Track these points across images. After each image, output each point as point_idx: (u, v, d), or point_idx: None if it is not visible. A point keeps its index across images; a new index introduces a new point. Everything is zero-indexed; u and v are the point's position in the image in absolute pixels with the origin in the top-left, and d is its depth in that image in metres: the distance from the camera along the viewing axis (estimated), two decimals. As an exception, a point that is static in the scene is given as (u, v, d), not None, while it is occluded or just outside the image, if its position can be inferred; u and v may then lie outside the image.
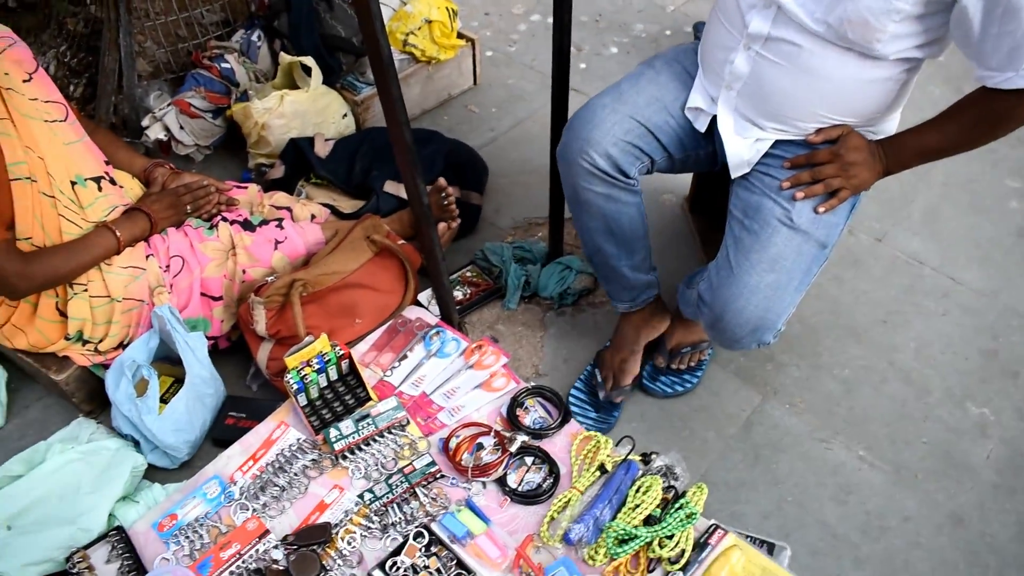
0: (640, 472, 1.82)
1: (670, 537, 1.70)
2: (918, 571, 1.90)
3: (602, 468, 1.84)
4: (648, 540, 1.69)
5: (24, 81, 1.97)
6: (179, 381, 2.06)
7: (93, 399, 2.17)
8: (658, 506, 1.75)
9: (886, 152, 1.75)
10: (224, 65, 2.95)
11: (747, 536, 1.83)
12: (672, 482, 1.81)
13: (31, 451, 1.98)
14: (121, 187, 2.14)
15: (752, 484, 2.05)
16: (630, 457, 1.85)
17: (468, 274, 2.50)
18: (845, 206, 1.79)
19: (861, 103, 1.71)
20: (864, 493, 2.04)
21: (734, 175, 1.88)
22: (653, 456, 1.85)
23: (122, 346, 2.08)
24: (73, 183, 1.99)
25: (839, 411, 2.20)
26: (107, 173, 2.10)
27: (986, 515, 2.00)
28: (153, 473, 2.05)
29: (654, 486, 1.76)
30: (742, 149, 1.84)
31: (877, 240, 2.69)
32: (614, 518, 1.73)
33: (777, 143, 1.82)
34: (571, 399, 2.19)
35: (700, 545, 1.71)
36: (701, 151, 1.97)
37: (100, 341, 2.05)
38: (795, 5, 1.58)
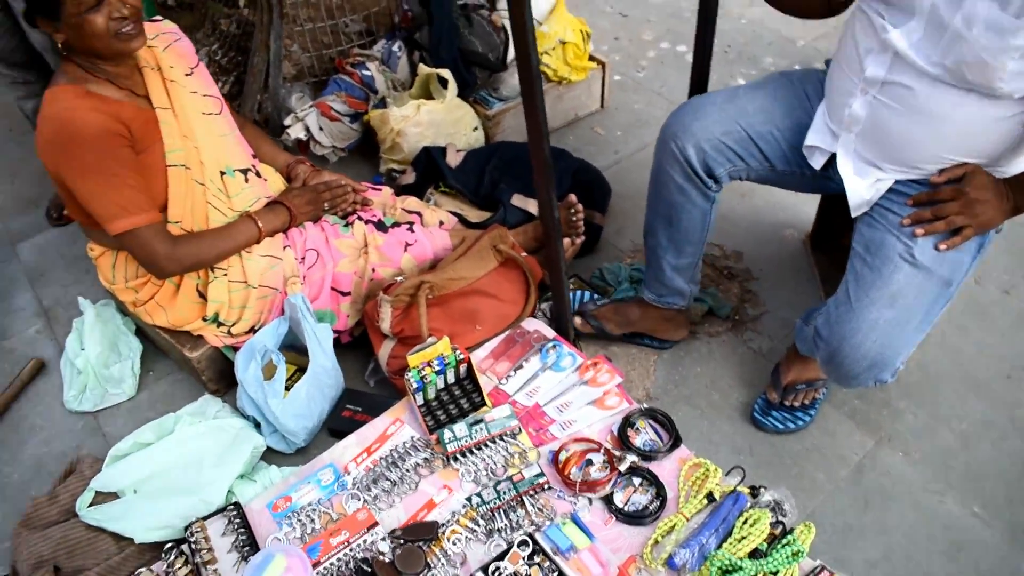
0: (748, 504, 1.81)
1: (774, 573, 1.68)
2: (1031, 638, 1.83)
3: (710, 496, 1.83)
4: (753, 573, 1.67)
5: (187, 75, 2.10)
6: (301, 370, 2.14)
7: (221, 379, 2.28)
8: (764, 540, 1.73)
9: (1014, 190, 1.71)
10: (365, 72, 3.07)
11: (853, 581, 1.80)
12: (780, 518, 1.79)
13: (161, 421, 2.09)
14: (265, 180, 2.25)
15: (860, 530, 2.01)
16: (739, 488, 1.84)
17: (571, 284, 2.54)
18: (972, 244, 1.76)
19: (984, 143, 1.68)
20: (977, 551, 1.97)
21: (854, 214, 1.88)
22: (762, 490, 1.84)
23: (253, 331, 2.18)
24: (223, 173, 2.10)
25: (955, 464, 2.14)
26: (254, 166, 2.21)
27: (1108, 588, 1.92)
28: (270, 456, 2.14)
29: (762, 519, 1.74)
30: (862, 189, 1.83)
31: (1005, 292, 2.60)
32: (719, 547, 1.72)
33: (900, 180, 1.81)
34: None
35: (804, 585, 1.69)
36: (807, 171, 1.97)
37: (234, 324, 2.15)
38: (910, 50, 1.58)
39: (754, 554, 1.72)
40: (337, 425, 2.13)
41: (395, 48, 3.17)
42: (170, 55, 2.10)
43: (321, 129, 3.01)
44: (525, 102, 1.74)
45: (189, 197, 2.04)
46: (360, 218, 2.28)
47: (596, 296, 2.47)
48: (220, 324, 2.14)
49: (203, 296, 2.11)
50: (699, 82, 2.12)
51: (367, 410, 2.13)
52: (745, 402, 2.26)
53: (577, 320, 2.33)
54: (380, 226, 2.27)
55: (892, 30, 1.63)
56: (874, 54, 1.68)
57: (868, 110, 1.74)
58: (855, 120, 1.77)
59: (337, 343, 2.30)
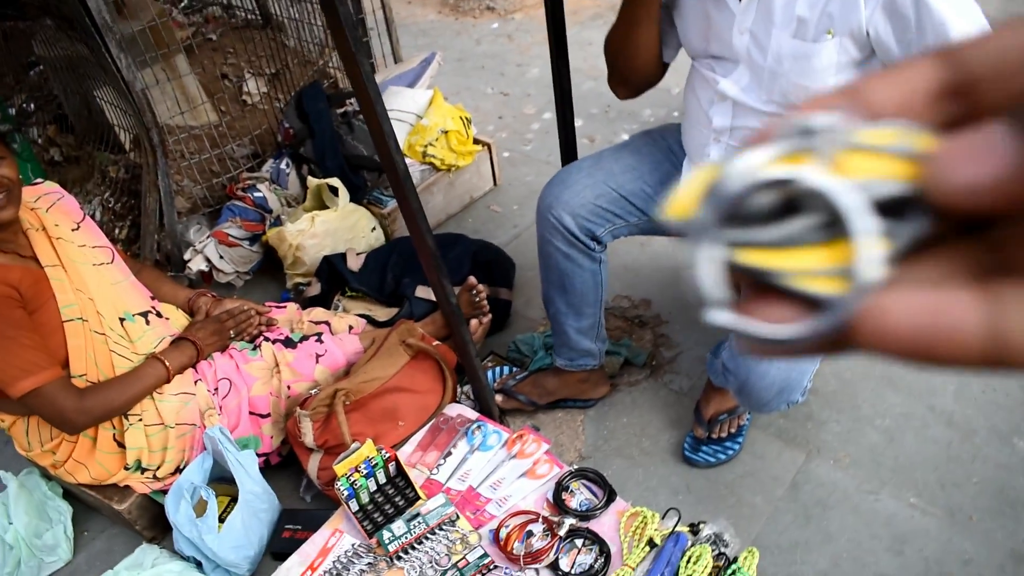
0: (689, 543, 1.84)
1: (725, 605, 1.71)
2: (985, 617, 1.88)
3: (651, 543, 1.86)
4: (703, 610, 1.70)
5: (73, 230, 2.13)
6: (235, 499, 2.13)
7: (155, 525, 2.25)
8: (710, 574, 1.76)
9: None
10: (257, 194, 3.11)
11: (804, 597, 1.83)
12: (722, 549, 1.82)
13: (100, 582, 2.05)
14: (167, 319, 2.27)
15: (805, 544, 2.05)
16: (678, 529, 1.87)
17: (488, 362, 2.58)
18: None
19: None
20: (920, 541, 2.02)
21: None
22: (701, 525, 1.87)
23: (179, 471, 2.17)
24: (122, 319, 2.12)
25: (885, 461, 2.20)
26: (153, 307, 2.22)
27: (1049, 552, 1.98)
28: (218, 592, 2.11)
29: (704, 555, 1.78)
30: None
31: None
32: (667, 591, 1.74)
33: None
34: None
35: (757, 610, 1.72)
36: None
37: (158, 468, 2.14)
38: (742, 94, 1.72)
39: (702, 591, 1.75)
40: (278, 547, 2.12)
41: (283, 166, 3.23)
42: (54, 214, 2.13)
43: (221, 257, 3.03)
44: (400, 203, 1.79)
45: (90, 349, 2.05)
46: (267, 339, 2.30)
47: (514, 368, 2.52)
48: (144, 470, 2.13)
49: (121, 445, 2.10)
50: (568, 150, 2.21)
51: (307, 526, 2.12)
52: (675, 443, 2.31)
53: (499, 398, 2.37)
54: (288, 343, 2.29)
55: (723, 80, 1.76)
56: (715, 104, 1.81)
57: (726, 155, 1.85)
58: None
59: (268, 465, 2.30)
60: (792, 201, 0.22)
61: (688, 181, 0.23)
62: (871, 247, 0.22)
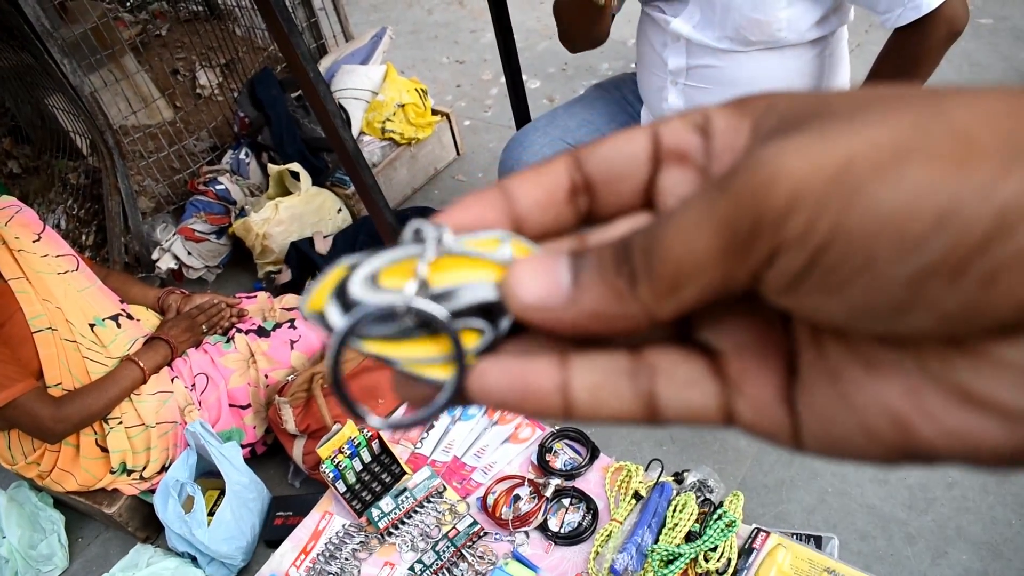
0: (675, 492, 1.85)
1: (714, 549, 1.73)
2: (971, 534, 1.91)
3: (637, 495, 1.88)
4: (693, 556, 1.72)
5: (34, 241, 2.11)
6: (224, 492, 2.13)
7: (148, 525, 2.26)
8: (696, 521, 1.78)
9: None
10: (219, 187, 3.09)
11: (792, 534, 1.85)
12: (707, 495, 1.84)
13: (96, 587, 2.06)
14: (139, 320, 2.26)
15: (791, 482, 2.07)
16: (662, 479, 1.89)
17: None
18: None
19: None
20: (904, 469, 2.05)
21: None
22: (685, 474, 1.89)
23: (164, 469, 2.17)
24: (92, 325, 2.11)
25: (864, 394, 2.22)
26: (123, 310, 2.21)
27: (1030, 467, 2.00)
28: (216, 585, 2.13)
29: (689, 502, 1.79)
30: None
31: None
32: (656, 541, 1.76)
33: None
34: None
35: (746, 551, 1.73)
36: None
37: (143, 468, 2.14)
38: (695, 32, 1.71)
39: (691, 537, 1.77)
40: (271, 535, 2.13)
41: (242, 156, 3.21)
42: (13, 227, 2.11)
43: (190, 253, 3.02)
44: (353, 180, 1.79)
45: (63, 357, 2.04)
46: (240, 330, 2.30)
47: None
48: (130, 472, 2.13)
49: (104, 449, 2.10)
50: (520, 111, 2.19)
51: (297, 512, 2.14)
52: (656, 394, 2.32)
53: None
54: (261, 332, 2.29)
55: (674, 20, 1.75)
56: (669, 46, 1.79)
57: (683, 98, 1.84)
58: (676, 110, 1.86)
59: (254, 455, 2.30)
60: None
61: (320, 279, 0.27)
62: (459, 343, 0.26)
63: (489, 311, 0.27)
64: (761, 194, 0.21)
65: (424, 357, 0.27)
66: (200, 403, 2.17)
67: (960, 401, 0.21)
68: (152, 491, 2.16)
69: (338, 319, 0.26)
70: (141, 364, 2.12)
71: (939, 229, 0.19)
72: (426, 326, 0.26)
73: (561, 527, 1.88)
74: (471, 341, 0.27)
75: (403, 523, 1.93)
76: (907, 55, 1.64)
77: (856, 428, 0.23)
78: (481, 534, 1.88)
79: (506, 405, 0.27)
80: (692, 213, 0.23)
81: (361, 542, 1.93)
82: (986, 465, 0.22)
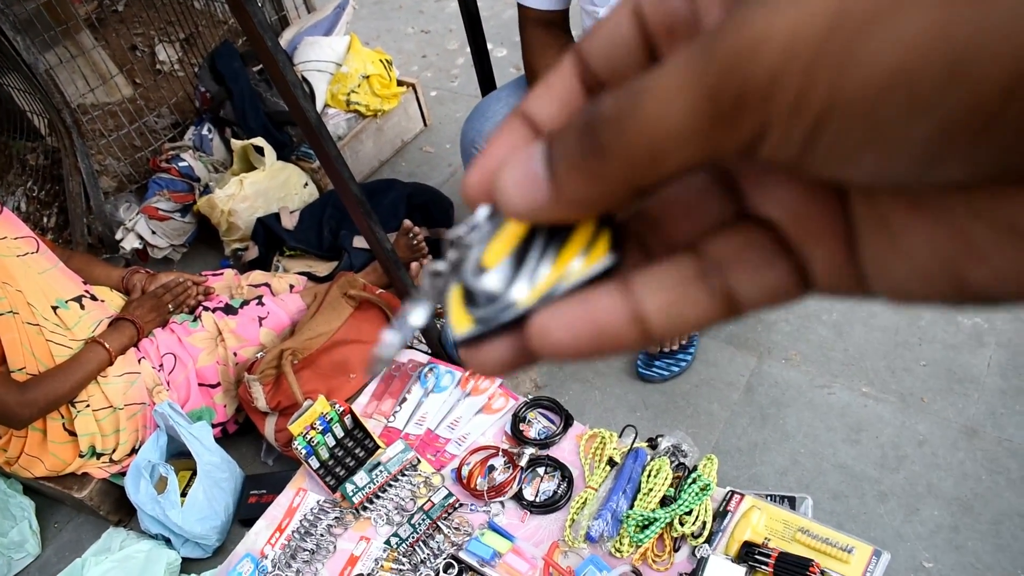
0: (649, 457, 1.86)
1: (689, 513, 1.73)
2: (942, 490, 1.93)
3: (611, 462, 1.88)
4: (668, 520, 1.72)
5: (-10, 225, 2.06)
6: (196, 473, 2.11)
7: (120, 508, 2.23)
8: (671, 485, 1.78)
9: None
10: (182, 164, 3.04)
11: (766, 495, 1.86)
12: (681, 459, 1.84)
13: (68, 571, 2.04)
14: (103, 301, 2.22)
15: (764, 445, 2.08)
16: (636, 445, 1.89)
17: (439, 306, 2.57)
18: None
19: None
20: (875, 428, 2.07)
21: None
22: (659, 439, 1.89)
23: (134, 451, 2.14)
24: (55, 307, 2.06)
25: (835, 355, 2.23)
26: (87, 291, 2.17)
27: (999, 421, 2.02)
28: (192, 565, 2.11)
29: (663, 468, 1.79)
30: None
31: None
32: (631, 507, 1.76)
33: None
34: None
35: (721, 514, 1.74)
36: None
37: (113, 451, 2.11)
38: None
39: (666, 501, 1.77)
40: (246, 514, 2.11)
41: (204, 131, 3.15)
42: (-33, 211, 2.06)
43: (154, 232, 2.97)
44: (316, 152, 1.75)
45: (25, 341, 2.00)
46: (207, 308, 2.26)
47: None
48: (100, 455, 2.10)
49: (72, 433, 2.07)
50: (485, 79, 2.16)
51: (271, 490, 2.12)
52: (629, 361, 2.32)
53: (463, 351, 2.35)
54: (228, 310, 2.26)
55: (602, 9, 1.79)
56: None
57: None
58: None
59: (225, 434, 2.28)
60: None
61: (451, 305, 0.27)
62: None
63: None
64: (744, 59, 0.19)
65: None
66: (168, 383, 2.15)
67: (1013, 238, 0.20)
68: (122, 474, 2.14)
69: (479, 317, 0.26)
70: (107, 346, 2.08)
71: (954, 79, 0.17)
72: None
73: (536, 496, 1.88)
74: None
75: (378, 497, 1.92)
76: None
77: (912, 274, 0.22)
78: (456, 505, 1.87)
79: (581, 353, 0.25)
80: (668, 80, 0.21)
81: (336, 518, 1.92)
82: None
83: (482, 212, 0.27)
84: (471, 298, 0.27)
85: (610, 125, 0.22)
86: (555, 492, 1.87)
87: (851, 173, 0.20)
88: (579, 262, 0.26)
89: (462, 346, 0.27)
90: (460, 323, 0.27)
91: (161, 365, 2.15)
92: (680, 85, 0.20)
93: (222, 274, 2.48)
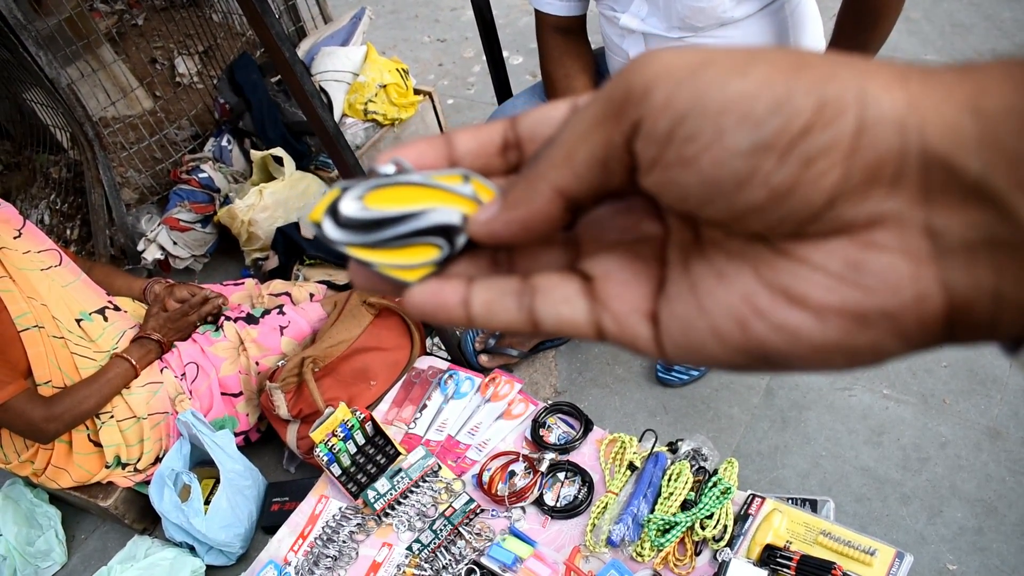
0: (669, 461, 1.86)
1: (710, 516, 1.73)
2: (965, 492, 1.92)
3: (632, 466, 1.88)
4: (689, 524, 1.72)
5: (15, 238, 2.08)
6: (219, 481, 2.13)
7: (145, 516, 2.25)
8: (692, 489, 1.78)
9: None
10: (202, 175, 3.07)
11: (788, 499, 1.85)
12: (702, 463, 1.84)
13: (94, 580, 2.06)
14: (125, 311, 2.24)
15: (785, 448, 2.08)
16: (656, 449, 1.89)
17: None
18: None
19: None
20: (897, 430, 2.06)
21: None
22: (679, 443, 1.89)
23: (158, 460, 2.16)
24: (79, 320, 2.09)
25: (855, 357, 2.22)
26: (110, 302, 2.20)
27: (1022, 422, 2.01)
28: (218, 572, 2.13)
29: (683, 471, 1.79)
30: None
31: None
32: (652, 511, 1.76)
33: None
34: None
35: (742, 517, 1.74)
36: None
37: (137, 461, 2.13)
38: (645, 26, 1.77)
39: (687, 505, 1.77)
40: (269, 521, 2.13)
41: (224, 143, 3.18)
42: (-8, 225, 2.09)
43: (176, 243, 3.00)
44: (334, 160, 1.78)
45: (51, 355, 2.03)
46: (228, 318, 2.28)
47: None
48: (124, 465, 2.13)
49: (97, 444, 2.09)
50: (502, 89, 2.18)
51: (293, 497, 2.13)
52: (648, 366, 2.32)
53: (484, 359, 2.36)
54: (250, 319, 2.28)
55: (623, 16, 1.78)
56: (627, 38, 1.84)
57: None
58: None
59: (248, 442, 2.30)
60: (385, 220, 0.33)
61: (320, 197, 0.33)
62: (426, 255, 0.34)
63: (449, 232, 0.33)
64: (632, 73, 0.27)
65: (396, 263, 0.33)
66: (191, 392, 2.16)
67: (784, 299, 0.26)
68: (147, 483, 2.16)
69: (331, 230, 0.32)
70: (133, 361, 2.10)
71: (775, 111, 0.24)
72: (401, 239, 0.33)
73: (557, 501, 1.88)
74: (432, 254, 0.34)
75: (399, 504, 1.93)
76: (866, 9, 1.65)
77: (707, 331, 0.28)
78: (478, 511, 1.88)
79: (427, 315, 0.34)
80: (584, 101, 0.29)
81: (358, 524, 1.93)
82: (806, 360, 0.27)
83: (389, 167, 0.33)
84: (335, 209, 0.32)
85: (545, 142, 0.31)
86: (576, 497, 1.87)
87: (690, 180, 0.26)
88: (407, 260, 0.34)
89: (314, 230, 0.33)
90: (316, 215, 0.33)
91: (184, 374, 2.17)
92: (589, 102, 0.28)
93: (243, 284, 2.50)
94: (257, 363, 2.22)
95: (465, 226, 0.33)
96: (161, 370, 2.15)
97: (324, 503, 2.02)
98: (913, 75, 0.25)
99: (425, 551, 1.83)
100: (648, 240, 0.32)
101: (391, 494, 1.93)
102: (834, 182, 0.24)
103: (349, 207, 0.32)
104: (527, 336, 2.38)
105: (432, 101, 3.35)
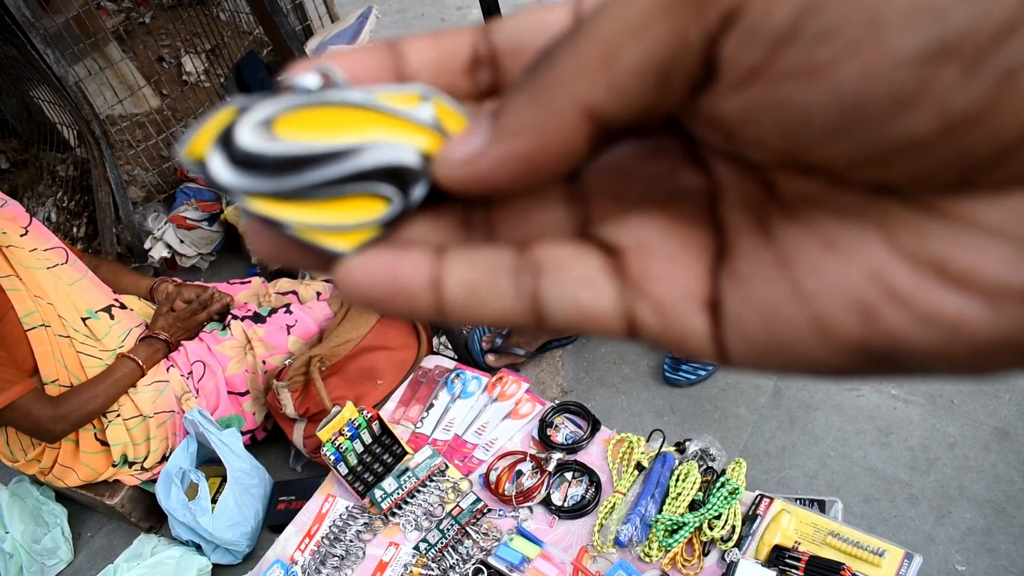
0: (677, 461, 1.85)
1: (718, 517, 1.73)
2: (974, 493, 1.91)
3: (639, 466, 1.87)
4: (697, 524, 1.72)
5: (21, 236, 2.09)
6: (226, 479, 2.13)
7: (151, 515, 2.26)
8: (700, 490, 1.77)
9: None
10: (209, 173, 3.07)
11: (796, 499, 1.85)
12: (710, 463, 1.84)
13: (101, 576, 2.06)
14: (131, 309, 2.24)
15: (793, 448, 2.07)
16: (664, 449, 1.88)
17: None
18: None
19: None
20: (905, 430, 2.05)
21: None
22: (686, 443, 1.88)
23: (165, 459, 2.16)
24: (85, 319, 2.09)
25: (863, 357, 2.22)
26: (116, 300, 2.20)
27: (1031, 423, 2.00)
28: (224, 570, 2.13)
29: (691, 472, 1.79)
30: None
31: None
32: (660, 511, 1.76)
33: None
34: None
35: (750, 518, 1.73)
36: None
37: (144, 459, 2.13)
38: None
39: (695, 506, 1.76)
40: (275, 520, 2.13)
41: (232, 141, 3.18)
42: (0, 222, 2.09)
43: (182, 241, 3.00)
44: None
45: (57, 353, 2.03)
46: (235, 316, 2.28)
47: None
48: (131, 464, 2.13)
49: (104, 443, 2.10)
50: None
51: (300, 496, 2.13)
52: (655, 366, 2.32)
53: (490, 358, 2.36)
54: (257, 318, 2.28)
55: None
56: None
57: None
58: None
59: (254, 441, 2.30)
60: (306, 157, 0.22)
61: (204, 122, 0.22)
62: (367, 211, 0.23)
63: (401, 177, 0.23)
64: None
65: (321, 223, 0.23)
66: (198, 391, 2.17)
67: (936, 278, 0.18)
68: (153, 481, 2.16)
69: (222, 170, 0.22)
70: (140, 362, 2.10)
71: None
72: (330, 186, 0.23)
73: (564, 501, 1.88)
74: (378, 210, 0.23)
75: (406, 503, 1.93)
76: None
77: (806, 323, 0.20)
78: (485, 511, 1.88)
79: (373, 302, 0.24)
80: None
81: (365, 523, 1.93)
82: (965, 361, 0.19)
83: (311, 79, 0.23)
84: (228, 138, 0.22)
85: (566, 36, 0.20)
86: (583, 497, 1.87)
87: (813, 98, 0.18)
88: (339, 219, 0.23)
89: (194, 170, 0.23)
90: (199, 148, 0.22)
91: (190, 373, 2.17)
92: None
93: (249, 282, 2.50)
94: (264, 362, 2.22)
95: (426, 167, 0.23)
96: (168, 369, 2.15)
97: (331, 502, 2.01)
98: None
99: (432, 551, 1.83)
100: (691, 195, 0.23)
101: (398, 493, 1.92)
102: None
103: (250, 137, 0.22)
104: (531, 333, 2.37)
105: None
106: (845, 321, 0.19)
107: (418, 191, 0.23)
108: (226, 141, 0.22)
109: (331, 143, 0.22)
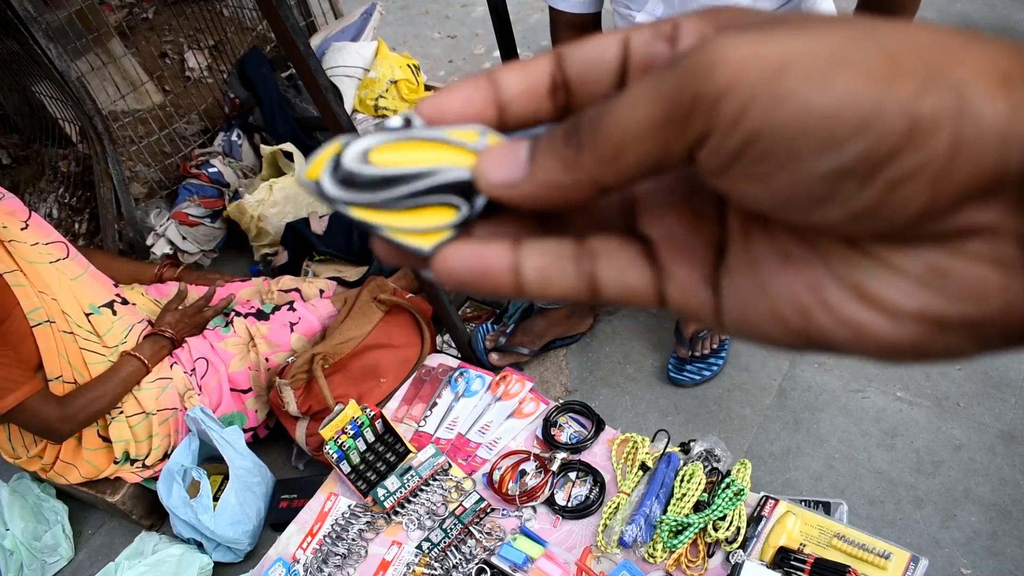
0: (681, 462, 1.84)
1: (723, 518, 1.72)
2: (979, 496, 1.90)
3: (644, 467, 1.87)
4: (702, 525, 1.71)
5: (22, 229, 2.07)
6: (228, 477, 2.12)
7: (152, 513, 2.25)
8: (705, 490, 1.77)
9: None
10: (211, 170, 3.06)
11: (801, 501, 1.84)
12: (715, 464, 1.83)
13: (101, 574, 2.05)
14: (134, 304, 2.23)
15: (798, 449, 2.06)
16: (669, 450, 1.87)
17: (468, 310, 2.57)
18: None
19: None
20: (910, 433, 2.04)
21: None
22: (691, 444, 1.87)
23: (167, 456, 2.15)
24: (88, 314, 2.08)
25: (868, 358, 2.21)
26: (118, 295, 2.19)
27: (1037, 426, 2.00)
28: (224, 570, 2.12)
29: (696, 472, 1.78)
30: None
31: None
32: (665, 512, 1.75)
33: None
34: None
35: (755, 519, 1.73)
36: None
37: (146, 456, 2.12)
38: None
39: (699, 507, 1.75)
40: (277, 518, 2.12)
41: (234, 137, 3.17)
42: (0, 216, 2.07)
43: (184, 238, 2.99)
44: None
45: (62, 350, 2.02)
46: (239, 314, 2.27)
47: (496, 325, 2.49)
48: (133, 461, 2.12)
49: (107, 440, 2.09)
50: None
51: (302, 494, 2.12)
52: (660, 366, 2.31)
53: (494, 357, 2.35)
54: (260, 315, 2.27)
55: (638, 14, 1.77)
56: None
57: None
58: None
59: (256, 439, 2.29)
60: (393, 177, 0.30)
61: (319, 152, 0.30)
62: (441, 217, 0.30)
63: (467, 191, 0.30)
64: (701, 74, 0.24)
65: (406, 227, 0.30)
66: (201, 388, 2.15)
67: (856, 297, 0.25)
68: (155, 478, 2.15)
69: (331, 187, 0.29)
70: (145, 360, 2.09)
71: (859, 133, 0.22)
72: (411, 198, 0.30)
73: (568, 501, 1.87)
74: (450, 217, 0.30)
75: (409, 502, 1.92)
76: (882, 6, 1.65)
77: (767, 313, 0.27)
78: (488, 510, 1.87)
79: (465, 284, 0.30)
80: (639, 88, 0.25)
81: (367, 522, 1.92)
82: (872, 355, 0.26)
83: (397, 121, 0.30)
84: (336, 164, 0.29)
85: (589, 124, 0.27)
86: (587, 497, 1.86)
87: (759, 193, 0.25)
88: (420, 223, 0.30)
89: (310, 189, 0.30)
90: (314, 172, 0.30)
91: (193, 370, 2.16)
92: (646, 94, 0.25)
93: (252, 280, 2.49)
94: (267, 359, 2.21)
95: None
96: (171, 366, 2.14)
97: (333, 500, 2.00)
98: (1016, 76, 0.22)
99: (435, 550, 1.82)
100: (706, 194, 0.30)
101: (401, 492, 1.92)
102: (920, 205, 0.22)
103: (352, 162, 0.29)
104: (581, 306, 2.38)
105: (442, 97, 3.33)
106: (791, 316, 0.26)
107: (479, 201, 0.30)
108: (334, 165, 0.29)
109: (411, 167, 0.30)
